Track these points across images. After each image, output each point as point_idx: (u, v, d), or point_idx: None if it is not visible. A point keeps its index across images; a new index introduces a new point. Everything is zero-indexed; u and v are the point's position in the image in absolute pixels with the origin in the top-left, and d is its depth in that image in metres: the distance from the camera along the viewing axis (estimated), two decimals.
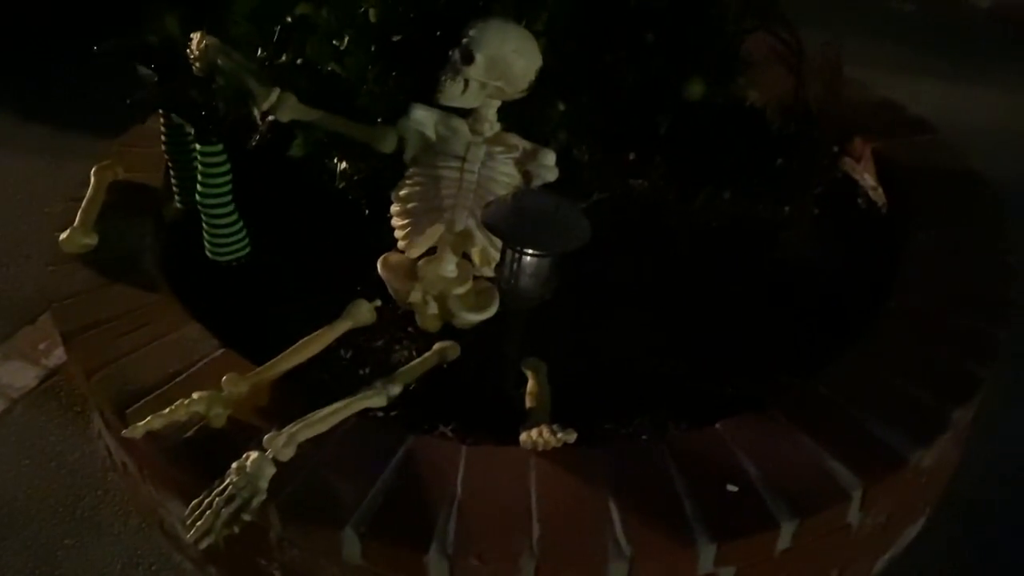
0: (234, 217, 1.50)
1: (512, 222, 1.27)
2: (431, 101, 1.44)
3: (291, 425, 1.26)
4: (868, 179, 1.97)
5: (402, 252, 1.55)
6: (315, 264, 1.70)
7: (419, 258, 1.54)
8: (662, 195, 1.69)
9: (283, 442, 1.22)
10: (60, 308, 1.54)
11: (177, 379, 1.39)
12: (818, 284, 1.69)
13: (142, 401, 1.35)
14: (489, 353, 1.50)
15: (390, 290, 1.55)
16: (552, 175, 1.45)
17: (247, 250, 1.53)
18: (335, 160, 1.60)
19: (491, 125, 1.46)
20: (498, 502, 1.19)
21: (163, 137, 1.60)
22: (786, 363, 1.49)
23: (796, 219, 1.72)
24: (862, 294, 1.63)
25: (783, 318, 1.62)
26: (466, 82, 1.39)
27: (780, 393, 1.37)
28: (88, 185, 1.82)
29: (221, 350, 1.45)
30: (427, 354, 1.50)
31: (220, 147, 1.42)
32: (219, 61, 1.50)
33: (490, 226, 1.28)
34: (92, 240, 1.67)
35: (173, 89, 1.42)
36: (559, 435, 1.22)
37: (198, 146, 1.42)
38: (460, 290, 1.53)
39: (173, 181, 1.66)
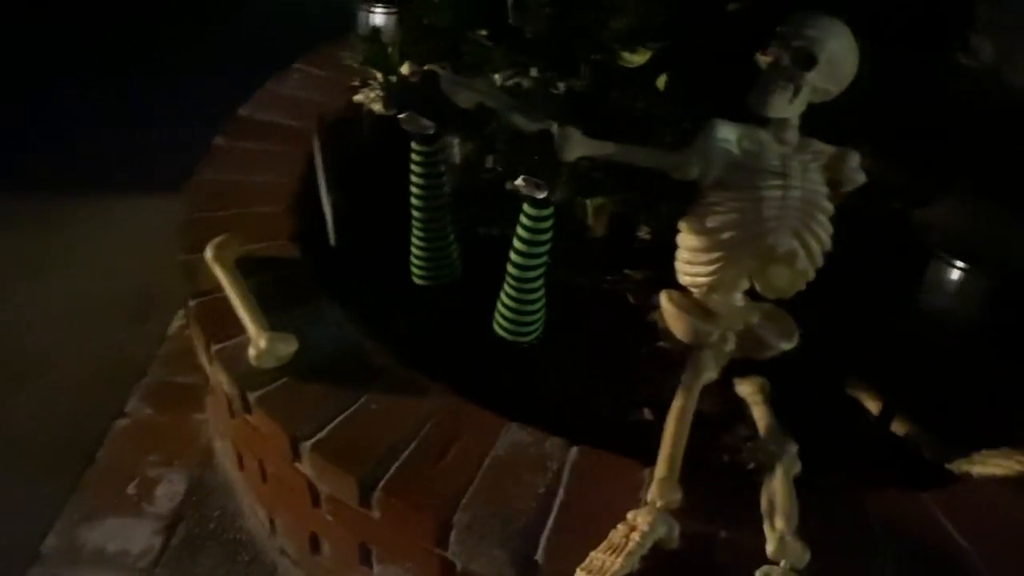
0: (544, 291, 1.20)
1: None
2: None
3: (778, 522, 1.06)
4: None
5: (686, 289, 1.36)
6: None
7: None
8: None
9: (801, 548, 1.02)
10: (326, 444, 1.16)
11: (555, 502, 1.11)
12: None
13: (543, 543, 1.06)
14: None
15: (681, 331, 1.35)
16: (862, 178, 1.32)
17: (543, 328, 1.24)
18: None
19: (796, 132, 1.30)
20: None
21: (416, 200, 1.23)
22: None
23: None
24: None
25: None
26: (796, 89, 1.23)
27: None
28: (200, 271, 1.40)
29: (574, 450, 1.18)
30: (760, 400, 1.34)
31: (552, 210, 1.12)
32: (459, 96, 1.20)
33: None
34: (292, 345, 1.26)
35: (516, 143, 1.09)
36: None
37: (527, 208, 1.11)
38: (756, 318, 1.38)
39: (418, 254, 1.29)
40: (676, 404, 1.23)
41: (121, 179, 2.25)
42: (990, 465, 1.17)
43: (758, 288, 1.35)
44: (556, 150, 1.11)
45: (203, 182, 1.61)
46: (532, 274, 1.16)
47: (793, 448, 1.20)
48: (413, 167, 1.20)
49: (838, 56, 1.22)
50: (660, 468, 1.13)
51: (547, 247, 1.15)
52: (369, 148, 1.73)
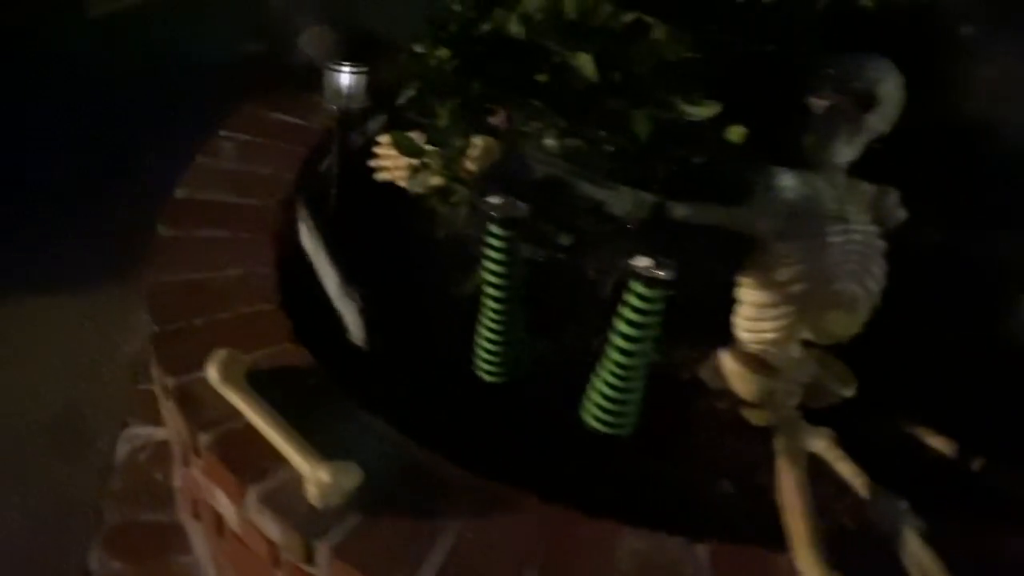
0: (646, 378, 1.08)
1: None
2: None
3: None
4: None
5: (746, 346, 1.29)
6: None
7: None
8: None
9: None
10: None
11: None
12: None
13: None
14: None
15: (748, 390, 1.29)
16: (903, 215, 1.31)
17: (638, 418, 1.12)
18: None
19: (844, 175, 1.26)
20: None
21: (492, 290, 1.06)
22: None
23: None
24: None
25: None
26: (856, 131, 1.19)
27: None
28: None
29: (701, 548, 1.06)
30: (840, 455, 1.28)
31: (662, 290, 1.00)
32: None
33: None
34: (356, 475, 1.06)
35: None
36: None
37: (638, 288, 0.98)
38: (816, 368, 1.33)
39: (491, 348, 1.11)
40: (787, 477, 1.16)
41: (17, 282, 1.89)
42: None
43: (812, 336, 1.31)
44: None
45: (163, 284, 1.35)
46: (637, 360, 1.04)
47: (905, 505, 1.15)
48: (491, 254, 1.04)
49: (892, 96, 1.20)
50: (805, 555, 1.05)
51: (656, 331, 1.03)
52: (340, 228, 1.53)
